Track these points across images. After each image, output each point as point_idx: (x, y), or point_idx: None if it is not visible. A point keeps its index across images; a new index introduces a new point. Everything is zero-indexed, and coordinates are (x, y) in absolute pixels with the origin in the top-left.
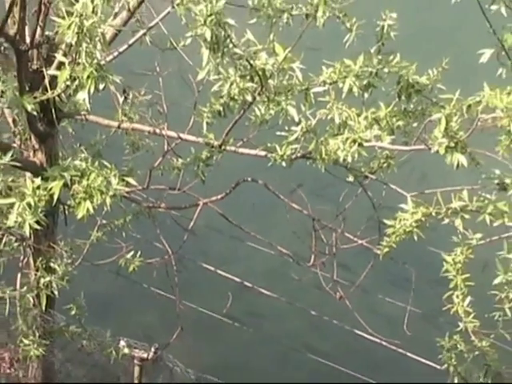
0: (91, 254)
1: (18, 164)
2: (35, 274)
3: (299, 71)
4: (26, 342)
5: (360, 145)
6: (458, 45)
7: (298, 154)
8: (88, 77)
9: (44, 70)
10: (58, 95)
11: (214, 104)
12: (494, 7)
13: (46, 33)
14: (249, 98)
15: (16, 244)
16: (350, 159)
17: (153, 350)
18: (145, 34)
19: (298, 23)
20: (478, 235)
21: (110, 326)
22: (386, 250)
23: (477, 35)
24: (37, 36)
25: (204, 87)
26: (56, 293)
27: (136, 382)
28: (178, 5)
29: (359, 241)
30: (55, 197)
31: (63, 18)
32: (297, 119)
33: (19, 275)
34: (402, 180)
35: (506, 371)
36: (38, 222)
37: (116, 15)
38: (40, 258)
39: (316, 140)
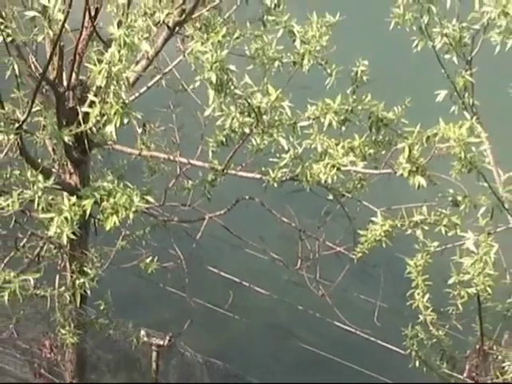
0: (117, 259)
1: (57, 186)
2: (71, 276)
3: (288, 108)
4: (63, 331)
5: (338, 169)
6: (419, 86)
7: (287, 177)
8: (115, 113)
9: (78, 107)
10: (90, 128)
11: (218, 135)
12: (447, 56)
13: (80, 77)
14: (247, 130)
15: (55, 251)
16: (330, 181)
17: (167, 338)
18: (161, 78)
19: (287, 68)
20: (435, 243)
21: (132, 319)
22: (360, 255)
23: (434, 78)
24: (72, 80)
25: (210, 121)
26: (88, 291)
27: (154, 364)
28: (188, 54)
29: (337, 248)
30: (87, 212)
31: (94, 64)
32: (286, 148)
33: (58, 277)
34: (373, 198)
35: (459, 355)
36: (73, 233)
37: (137, 63)
38: (75, 263)
39: (302, 165)
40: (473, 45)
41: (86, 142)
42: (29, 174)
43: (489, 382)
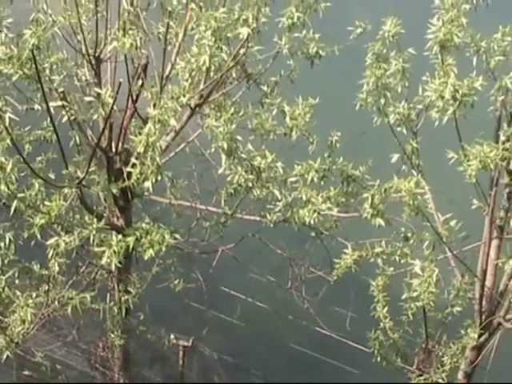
0: (153, 281)
1: (107, 226)
2: (118, 294)
3: (280, 168)
4: (113, 336)
5: (318, 213)
6: (378, 151)
7: (280, 219)
8: (151, 172)
9: (123, 168)
10: (132, 183)
11: (228, 188)
12: (399, 128)
13: (125, 145)
14: (250, 184)
15: (106, 275)
16: (312, 222)
17: (191, 340)
18: (185, 146)
19: (280, 137)
20: (391, 268)
21: (164, 326)
22: (335, 277)
23: (389, 145)
24: (119, 147)
25: (222, 178)
26: (131, 306)
27: (180, 360)
28: (206, 128)
29: (318, 272)
30: (130, 246)
31: (136, 135)
32: (279, 197)
33: (108, 295)
34: (345, 234)
35: (409, 352)
36: (120, 262)
37: (167, 134)
38: (121, 284)
39: (291, 210)
40: (418, 120)
41: (129, 193)
42: (86, 217)
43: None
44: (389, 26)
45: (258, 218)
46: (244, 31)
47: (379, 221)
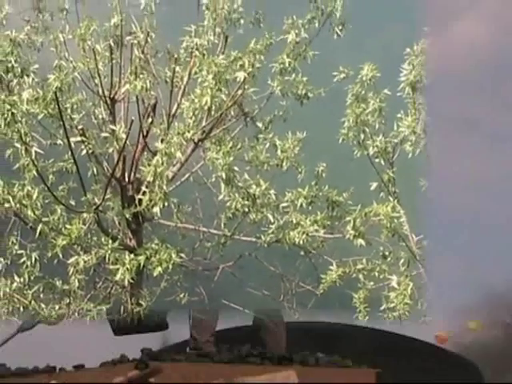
0: (161, 294)
1: (121, 247)
2: (130, 307)
3: (273, 195)
4: None
5: (307, 234)
6: (358, 180)
7: (273, 240)
8: (159, 199)
9: (135, 195)
10: (143, 209)
11: (227, 213)
12: (377, 160)
13: (137, 175)
14: (246, 209)
15: (120, 290)
16: (301, 242)
17: None
18: (190, 176)
19: (273, 168)
20: (371, 283)
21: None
22: (322, 291)
23: (368, 174)
24: (131, 177)
25: (222, 203)
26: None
27: None
28: (207, 159)
29: (307, 286)
30: (141, 264)
31: (145, 166)
32: (272, 221)
33: (122, 307)
34: (330, 253)
35: None
36: (132, 278)
37: (174, 165)
38: (133, 298)
39: (283, 232)
40: (393, 152)
41: (140, 217)
42: (103, 239)
43: None
44: (366, 71)
45: (253, 239)
46: (241, 75)
47: (360, 241)
